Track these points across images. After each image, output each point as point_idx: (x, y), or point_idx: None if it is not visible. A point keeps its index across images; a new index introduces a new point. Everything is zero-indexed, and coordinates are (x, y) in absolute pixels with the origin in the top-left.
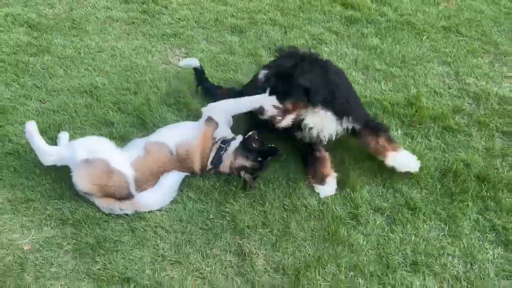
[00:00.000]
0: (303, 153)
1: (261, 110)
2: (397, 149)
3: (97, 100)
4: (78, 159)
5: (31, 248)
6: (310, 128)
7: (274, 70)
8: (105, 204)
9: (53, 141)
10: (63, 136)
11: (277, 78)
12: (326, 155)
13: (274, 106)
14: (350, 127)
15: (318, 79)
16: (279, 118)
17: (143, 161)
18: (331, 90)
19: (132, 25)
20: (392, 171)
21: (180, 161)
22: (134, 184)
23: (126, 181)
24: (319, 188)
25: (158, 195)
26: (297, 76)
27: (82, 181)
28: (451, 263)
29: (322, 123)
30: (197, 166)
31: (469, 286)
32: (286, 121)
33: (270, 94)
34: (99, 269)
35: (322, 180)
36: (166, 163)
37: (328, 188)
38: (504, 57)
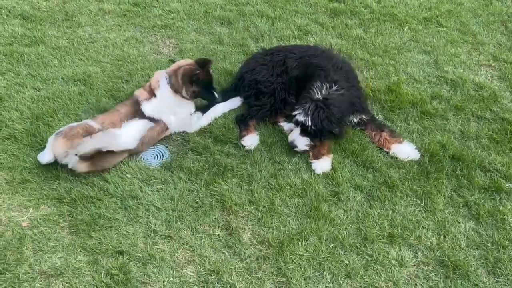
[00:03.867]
0: None
1: (293, 145)
2: (401, 141)
3: (90, 88)
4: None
5: (29, 225)
6: None
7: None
8: None
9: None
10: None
11: (311, 127)
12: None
13: (307, 145)
14: (356, 120)
15: (346, 107)
16: (310, 153)
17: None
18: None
19: (124, 17)
20: (371, 152)
21: None
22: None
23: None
24: (316, 164)
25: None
26: (327, 124)
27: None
28: (425, 235)
29: None
30: None
31: (441, 255)
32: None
33: (302, 134)
34: (94, 243)
35: (319, 157)
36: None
37: (325, 164)
38: (481, 46)
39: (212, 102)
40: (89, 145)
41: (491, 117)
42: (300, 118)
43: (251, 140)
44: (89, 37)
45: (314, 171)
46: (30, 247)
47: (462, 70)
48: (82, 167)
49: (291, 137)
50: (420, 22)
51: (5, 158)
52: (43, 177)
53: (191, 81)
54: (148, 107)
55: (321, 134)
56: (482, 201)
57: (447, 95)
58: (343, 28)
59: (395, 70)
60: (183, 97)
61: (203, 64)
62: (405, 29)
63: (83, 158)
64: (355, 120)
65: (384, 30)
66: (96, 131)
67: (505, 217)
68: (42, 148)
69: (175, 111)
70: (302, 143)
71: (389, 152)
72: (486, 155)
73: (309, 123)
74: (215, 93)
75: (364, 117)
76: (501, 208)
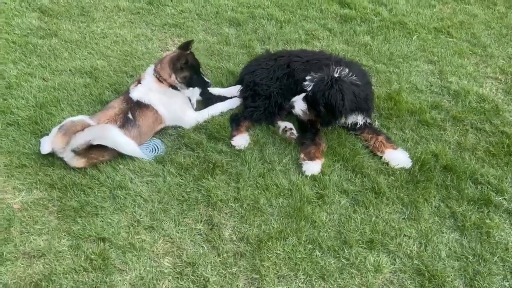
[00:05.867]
0: (304, 135)
1: (291, 104)
2: (395, 147)
3: (95, 80)
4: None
5: (20, 208)
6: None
7: (318, 87)
8: None
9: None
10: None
11: (312, 97)
12: (323, 143)
13: (302, 110)
14: (361, 122)
15: (347, 100)
16: (304, 116)
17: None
18: (360, 105)
19: (137, 15)
20: (362, 158)
21: None
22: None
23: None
24: (307, 164)
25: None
26: (328, 100)
27: None
28: (406, 243)
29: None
30: None
31: (420, 263)
32: (305, 118)
33: (304, 99)
34: (78, 229)
35: (312, 159)
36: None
37: (314, 166)
38: (490, 59)
39: (205, 87)
40: (81, 138)
41: (490, 130)
42: (308, 82)
43: (241, 141)
44: (101, 32)
45: (304, 172)
46: (18, 228)
47: (466, 82)
48: (78, 163)
49: (294, 98)
50: (430, 32)
51: (6, 142)
52: (39, 163)
53: (181, 66)
54: (134, 92)
55: (316, 106)
56: (470, 213)
57: (448, 106)
58: (351, 34)
59: (397, 78)
60: (173, 86)
61: (186, 45)
62: (413, 38)
63: (79, 154)
64: (359, 121)
65: (392, 38)
66: None
67: (491, 230)
68: (42, 135)
69: (164, 102)
70: (300, 106)
71: (382, 156)
72: (479, 167)
73: (309, 90)
74: (204, 78)
75: (367, 120)
76: (487, 221)
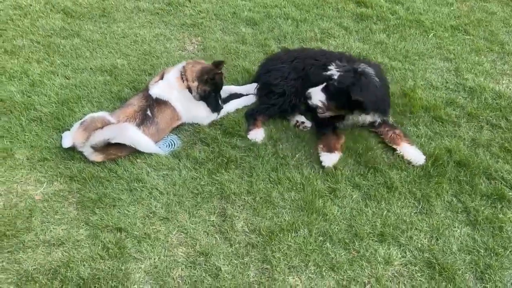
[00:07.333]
0: (323, 129)
1: (308, 95)
2: (411, 143)
3: (115, 78)
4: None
5: (41, 199)
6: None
7: (345, 78)
8: None
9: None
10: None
11: (336, 88)
12: (343, 135)
13: (321, 101)
14: (378, 120)
15: (370, 99)
16: (320, 110)
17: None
18: (377, 104)
19: (156, 15)
20: (375, 153)
21: None
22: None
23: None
24: (325, 156)
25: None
26: (352, 93)
27: None
28: (417, 236)
29: (359, 118)
30: None
31: (430, 256)
32: (325, 115)
33: (323, 90)
34: (96, 219)
35: (331, 151)
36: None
37: (334, 157)
38: (507, 56)
39: (214, 109)
40: (99, 136)
41: (506, 126)
42: (331, 72)
43: (256, 135)
44: (121, 32)
45: (321, 163)
46: (39, 218)
47: (482, 79)
48: (97, 158)
49: (310, 89)
50: (447, 30)
51: (29, 137)
52: (60, 156)
53: (207, 79)
54: (154, 89)
55: (340, 96)
56: (482, 207)
57: (463, 102)
58: (367, 32)
59: (413, 75)
60: (189, 89)
61: (219, 64)
62: (429, 36)
63: (97, 149)
64: (377, 119)
65: (408, 36)
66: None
67: (503, 224)
68: (63, 130)
69: (181, 99)
70: (317, 97)
71: (397, 149)
72: (494, 163)
73: (335, 79)
74: (219, 101)
75: (384, 119)
76: (500, 215)
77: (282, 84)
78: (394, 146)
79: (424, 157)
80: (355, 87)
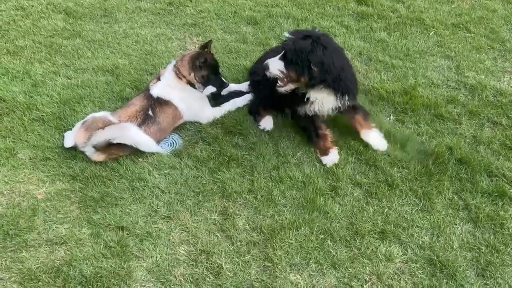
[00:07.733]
0: (309, 134)
1: (266, 66)
2: (370, 128)
3: (116, 78)
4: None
5: (44, 198)
6: (312, 102)
7: (294, 41)
8: None
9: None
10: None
11: (293, 50)
12: (327, 132)
13: (279, 70)
14: (346, 104)
15: (330, 62)
16: (281, 83)
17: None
18: (339, 74)
19: (158, 15)
20: (376, 151)
21: None
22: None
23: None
24: (325, 159)
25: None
26: (311, 55)
27: None
28: (418, 234)
29: (323, 99)
30: None
31: (431, 254)
32: (286, 88)
33: (281, 58)
34: (98, 218)
35: (326, 152)
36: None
37: (332, 157)
38: (509, 53)
39: (221, 88)
40: (101, 136)
41: (507, 124)
42: (287, 38)
43: (266, 123)
44: (123, 32)
45: (325, 165)
46: (42, 217)
47: (483, 76)
48: (99, 157)
49: (267, 60)
50: (448, 28)
51: (31, 137)
52: (62, 156)
53: (200, 65)
54: (154, 89)
55: (298, 59)
56: (484, 205)
57: (464, 100)
58: (368, 31)
59: (413, 73)
60: (191, 84)
61: (206, 45)
62: (430, 34)
63: (99, 149)
64: (346, 104)
65: (409, 34)
66: None
67: (504, 222)
68: (65, 130)
69: (182, 98)
70: (275, 66)
71: (360, 135)
72: (495, 160)
73: (291, 44)
74: (222, 78)
75: (352, 102)
76: (501, 213)
77: (260, 72)
78: (358, 134)
79: (385, 141)
80: (313, 47)
